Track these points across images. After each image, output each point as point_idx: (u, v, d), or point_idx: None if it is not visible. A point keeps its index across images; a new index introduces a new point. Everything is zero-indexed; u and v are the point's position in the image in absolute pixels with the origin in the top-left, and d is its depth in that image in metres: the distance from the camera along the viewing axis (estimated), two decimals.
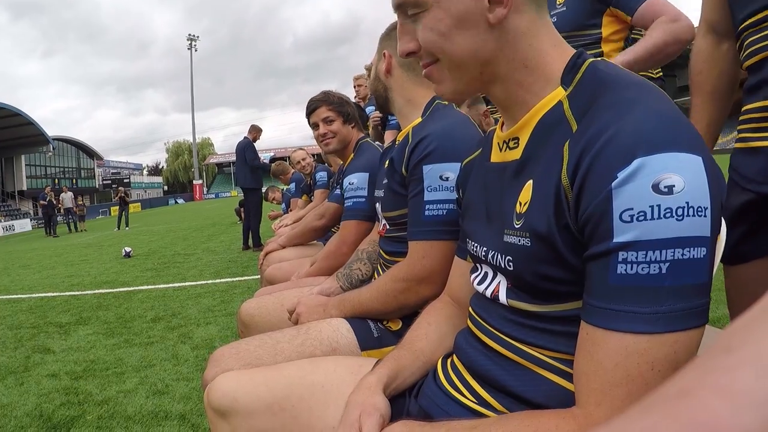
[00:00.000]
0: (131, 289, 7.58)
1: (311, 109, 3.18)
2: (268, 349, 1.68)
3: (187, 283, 7.52)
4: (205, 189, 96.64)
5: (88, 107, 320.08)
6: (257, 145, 11.08)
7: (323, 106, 3.14)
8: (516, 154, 1.07)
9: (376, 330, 1.82)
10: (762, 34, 1.46)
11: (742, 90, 1.59)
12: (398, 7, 1.09)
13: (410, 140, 1.82)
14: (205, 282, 7.49)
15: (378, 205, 2.18)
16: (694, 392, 0.29)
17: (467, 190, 1.34)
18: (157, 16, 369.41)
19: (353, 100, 6.80)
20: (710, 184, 0.79)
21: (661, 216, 0.76)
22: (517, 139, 1.07)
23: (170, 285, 7.55)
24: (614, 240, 0.79)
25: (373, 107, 6.30)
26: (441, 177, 1.69)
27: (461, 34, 1.02)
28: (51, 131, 60.69)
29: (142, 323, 5.42)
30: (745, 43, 1.52)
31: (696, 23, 1.94)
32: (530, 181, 0.99)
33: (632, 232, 0.78)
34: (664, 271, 0.76)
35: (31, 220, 45.98)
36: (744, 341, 0.29)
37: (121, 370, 4.05)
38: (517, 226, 1.00)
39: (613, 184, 0.79)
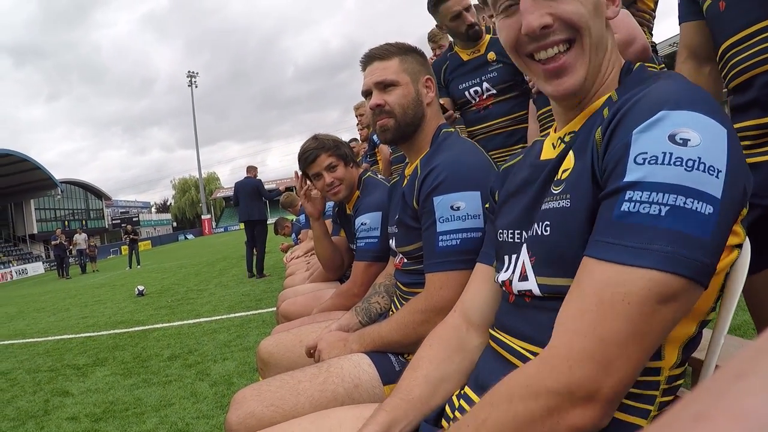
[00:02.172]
0: (146, 327, 7.58)
1: (311, 159, 3.01)
2: (289, 389, 1.67)
3: (201, 319, 7.51)
4: (213, 223, 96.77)
5: (94, 148, 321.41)
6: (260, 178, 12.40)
7: (323, 154, 2.99)
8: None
9: (397, 363, 1.81)
10: (747, 53, 1.49)
11: (730, 109, 1.62)
12: None
13: (419, 172, 1.83)
14: (220, 317, 7.47)
15: (392, 241, 2.18)
16: (709, 416, 0.28)
17: (503, 191, 1.36)
18: (157, 54, 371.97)
19: (357, 128, 6.83)
20: (730, 154, 0.83)
21: (671, 162, 0.81)
22: (574, 131, 1.12)
23: (185, 322, 7.54)
24: (624, 179, 0.85)
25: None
26: (452, 207, 1.69)
27: (598, 17, 1.08)
28: (58, 174, 61.11)
29: (159, 362, 5.42)
30: (730, 63, 1.56)
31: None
32: (571, 152, 1.06)
33: (641, 173, 0.83)
34: (662, 213, 0.80)
35: (43, 263, 46.19)
36: (756, 366, 0.29)
37: (141, 411, 4.04)
38: (556, 192, 1.05)
39: (635, 130, 0.86)
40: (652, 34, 2.98)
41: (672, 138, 0.82)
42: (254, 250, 11.81)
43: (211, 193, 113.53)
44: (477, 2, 4.19)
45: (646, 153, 0.83)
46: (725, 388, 0.29)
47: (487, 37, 3.52)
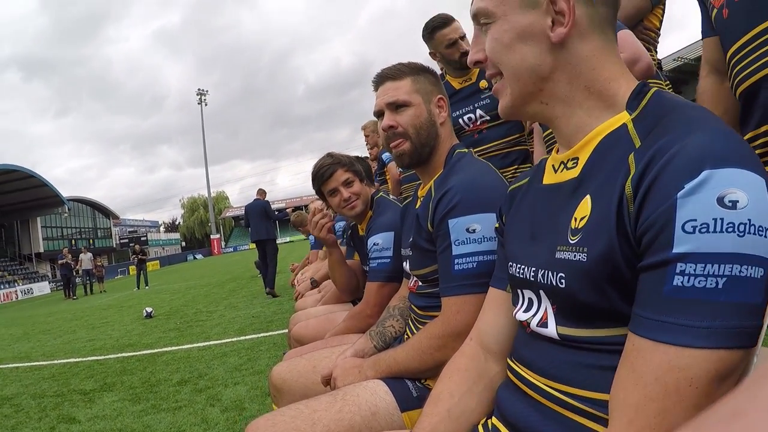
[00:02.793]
0: (155, 351, 7.51)
1: (328, 175, 2.99)
2: (305, 419, 1.63)
3: (211, 342, 7.45)
4: (223, 243, 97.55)
5: (103, 166, 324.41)
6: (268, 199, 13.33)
7: (339, 169, 2.99)
8: (573, 173, 1.08)
9: (415, 389, 1.77)
10: (750, 58, 1.48)
11: (739, 120, 1.62)
12: (474, 17, 1.15)
13: (433, 194, 1.81)
14: (230, 340, 7.41)
15: (406, 264, 2.15)
16: (746, 413, 0.29)
17: (510, 216, 1.34)
18: (168, 71, 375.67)
19: (366, 148, 6.83)
20: None
21: (723, 230, 0.76)
22: (576, 158, 1.08)
23: (194, 345, 7.48)
24: (674, 250, 0.79)
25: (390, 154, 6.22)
26: (468, 230, 1.67)
27: (523, 47, 1.08)
28: (66, 192, 61.43)
29: (168, 387, 5.34)
30: (735, 70, 1.56)
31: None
32: (588, 197, 1.00)
33: (692, 243, 0.77)
34: (720, 285, 0.75)
35: (49, 283, 46.28)
36: None
37: None
38: (572, 242, 0.99)
39: (679, 193, 0.79)
40: (656, 51, 3.04)
41: (721, 201, 0.77)
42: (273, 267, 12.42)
43: (220, 212, 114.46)
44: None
45: (696, 220, 0.78)
46: (760, 387, 0.31)
47: None
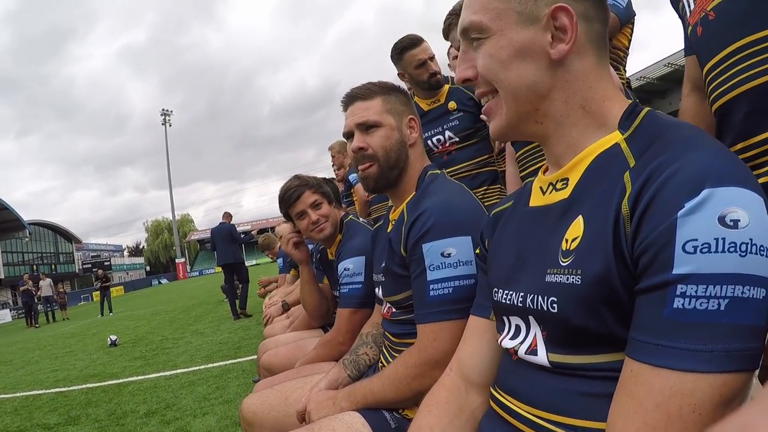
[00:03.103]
0: (120, 381, 7.33)
1: (295, 197, 2.92)
2: None
3: (178, 371, 7.30)
4: (188, 267, 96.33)
5: (65, 188, 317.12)
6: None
7: (307, 191, 2.92)
8: (564, 194, 1.05)
9: (392, 420, 1.73)
10: (723, 77, 1.47)
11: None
12: (463, 32, 1.11)
13: (406, 218, 1.77)
14: (198, 368, 7.28)
15: (378, 290, 2.10)
16: (754, 426, 0.30)
17: (494, 240, 1.30)
18: (133, 90, 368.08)
19: (333, 169, 6.82)
20: None
21: (725, 250, 0.74)
22: (567, 179, 1.06)
23: (161, 374, 7.32)
24: (674, 271, 0.76)
25: (356, 175, 6.18)
26: (443, 254, 1.62)
27: (521, 64, 1.04)
28: (27, 215, 60.65)
29: (135, 419, 5.20)
30: (710, 88, 1.55)
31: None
32: (580, 217, 0.97)
33: (694, 264, 0.75)
34: (722, 308, 0.73)
35: (10, 311, 45.00)
36: None
37: None
38: (564, 264, 0.96)
39: (679, 212, 0.77)
40: (625, 70, 3.06)
41: (722, 220, 0.75)
42: (237, 291, 12.83)
43: (185, 235, 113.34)
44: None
45: (697, 240, 0.76)
46: None
47: (446, 86, 3.66)
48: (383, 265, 1.96)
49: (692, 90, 1.91)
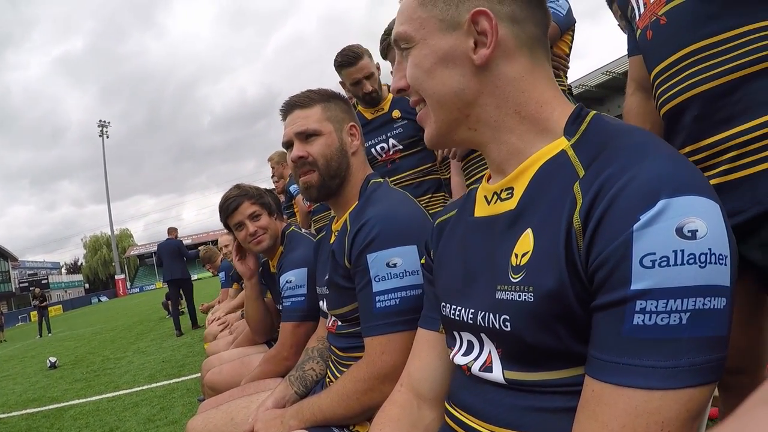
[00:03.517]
0: (62, 405, 7.07)
1: (233, 208, 2.91)
2: None
3: (121, 392, 7.10)
4: (128, 283, 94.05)
5: (0, 203, 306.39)
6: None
7: (246, 201, 2.91)
8: (510, 205, 1.01)
9: None
10: (672, 81, 1.51)
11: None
12: (395, 43, 1.11)
13: (349, 228, 1.73)
14: (141, 388, 7.09)
15: (322, 303, 2.04)
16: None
17: (439, 251, 1.26)
18: (70, 101, 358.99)
19: (272, 181, 6.78)
20: (728, 233, 0.76)
21: (685, 262, 0.72)
22: (512, 189, 1.02)
23: (103, 396, 7.10)
24: (632, 287, 0.74)
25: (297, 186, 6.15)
26: (388, 264, 1.59)
27: (445, 71, 1.03)
28: None
29: None
30: (658, 92, 1.59)
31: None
32: (528, 230, 0.93)
33: (653, 279, 0.72)
34: (684, 321, 0.71)
35: None
36: None
37: None
38: (515, 280, 0.92)
39: (635, 226, 0.74)
40: (567, 78, 3.07)
41: (680, 232, 0.73)
42: (181, 309, 13.01)
43: (124, 251, 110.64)
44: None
45: (654, 254, 0.73)
46: (751, 416, 0.34)
47: (390, 95, 3.68)
48: (327, 277, 1.91)
49: (636, 89, 1.95)
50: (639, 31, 1.65)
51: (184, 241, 13.71)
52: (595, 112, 1.00)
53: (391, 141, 3.59)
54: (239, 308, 5.72)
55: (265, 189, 3.16)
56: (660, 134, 1.74)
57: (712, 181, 1.39)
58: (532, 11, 1.02)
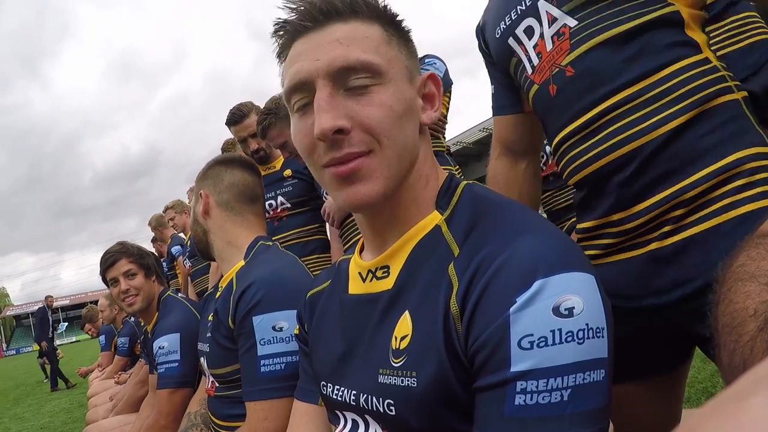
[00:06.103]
0: None
1: (109, 263, 2.87)
2: None
3: None
4: (3, 345, 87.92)
5: None
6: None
7: (123, 258, 2.87)
8: (386, 285, 0.97)
9: None
10: (589, 142, 1.29)
11: (576, 206, 1.44)
12: (341, 72, 0.88)
13: (234, 287, 1.68)
14: None
15: (203, 360, 1.94)
16: (700, 429, 0.32)
17: (314, 326, 1.19)
18: None
19: (152, 245, 6.68)
20: (604, 303, 0.77)
21: (563, 341, 0.72)
22: (387, 267, 0.99)
23: None
24: (512, 369, 0.73)
25: (179, 247, 6.21)
26: (274, 328, 1.55)
27: (409, 123, 0.94)
28: None
29: None
30: (567, 157, 1.37)
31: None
32: (406, 313, 0.90)
33: (532, 360, 0.72)
34: (566, 398, 0.71)
35: None
36: (754, 390, 0.33)
37: None
38: (396, 365, 0.88)
39: (511, 309, 0.74)
40: (445, 138, 3.11)
41: (557, 311, 0.73)
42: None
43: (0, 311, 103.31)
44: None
45: (532, 335, 0.72)
46: (719, 408, 0.34)
47: (281, 157, 3.68)
48: (209, 334, 1.83)
49: (502, 152, 1.74)
50: (536, 86, 1.40)
51: (60, 302, 14.82)
52: (465, 182, 1.00)
53: (280, 198, 3.58)
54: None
55: (151, 251, 3.11)
56: (530, 203, 1.71)
57: (650, 247, 1.22)
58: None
